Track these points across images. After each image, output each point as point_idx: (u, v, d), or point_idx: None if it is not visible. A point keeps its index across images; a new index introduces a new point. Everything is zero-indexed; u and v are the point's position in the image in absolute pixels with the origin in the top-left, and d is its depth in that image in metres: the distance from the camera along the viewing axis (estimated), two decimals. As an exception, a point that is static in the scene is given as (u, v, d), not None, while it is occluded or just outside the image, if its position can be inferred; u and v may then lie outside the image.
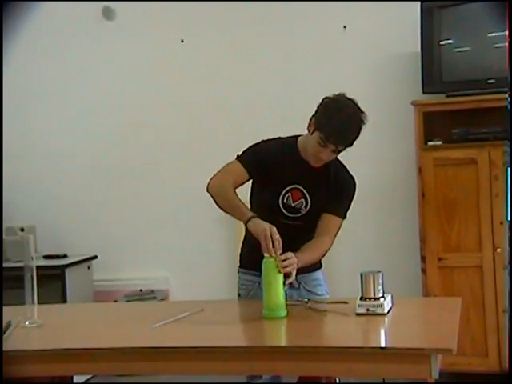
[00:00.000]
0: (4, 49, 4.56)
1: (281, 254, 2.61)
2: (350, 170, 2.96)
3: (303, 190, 2.85)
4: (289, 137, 2.92)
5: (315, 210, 2.85)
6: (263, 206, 2.87)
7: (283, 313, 2.59)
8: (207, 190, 2.84)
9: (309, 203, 2.85)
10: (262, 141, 2.92)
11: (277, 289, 2.58)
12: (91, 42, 5.00)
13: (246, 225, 2.72)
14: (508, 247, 3.89)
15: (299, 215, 2.86)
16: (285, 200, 2.85)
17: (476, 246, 4.04)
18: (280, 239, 2.60)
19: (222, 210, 2.83)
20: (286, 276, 2.60)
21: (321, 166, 2.83)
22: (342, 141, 2.70)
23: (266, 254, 2.62)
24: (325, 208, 2.85)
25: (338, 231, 2.89)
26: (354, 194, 2.92)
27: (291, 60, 4.62)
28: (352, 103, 2.75)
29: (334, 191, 2.86)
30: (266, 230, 2.60)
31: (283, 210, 2.85)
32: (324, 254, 2.87)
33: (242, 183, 2.87)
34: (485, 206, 4.01)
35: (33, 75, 5.09)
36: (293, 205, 2.85)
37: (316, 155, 2.76)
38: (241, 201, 2.79)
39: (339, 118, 2.69)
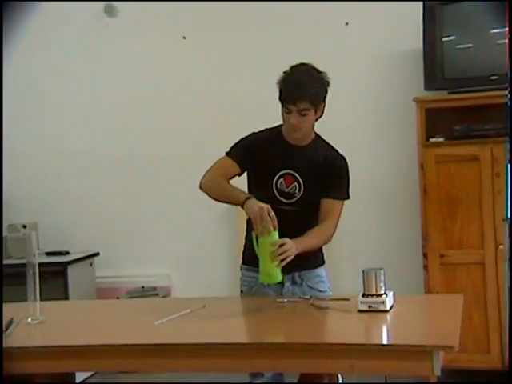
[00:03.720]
0: (5, 47, 4.56)
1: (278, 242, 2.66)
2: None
3: (295, 174, 2.87)
4: (274, 126, 2.96)
5: (309, 193, 2.87)
6: (259, 195, 2.88)
7: (279, 277, 2.69)
8: (200, 189, 2.92)
9: (302, 187, 2.87)
10: (251, 133, 2.97)
11: (272, 258, 2.64)
12: (93, 39, 5.00)
13: (243, 208, 2.75)
14: (508, 244, 3.89)
15: (294, 200, 2.88)
16: (278, 186, 2.87)
17: (478, 242, 4.04)
18: (275, 217, 2.64)
19: (219, 201, 2.92)
20: (281, 261, 2.66)
21: (308, 148, 2.88)
22: (299, 97, 2.73)
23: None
24: (323, 193, 2.88)
25: (339, 214, 2.91)
26: (348, 173, 2.94)
27: (293, 57, 4.58)
28: (306, 65, 2.83)
29: (328, 175, 2.88)
30: (258, 211, 2.64)
31: (278, 196, 2.87)
32: (328, 239, 2.90)
33: (234, 175, 2.92)
34: (487, 203, 4.01)
35: (34, 73, 5.09)
36: (286, 190, 2.87)
37: (287, 125, 2.81)
38: (234, 187, 2.85)
39: (291, 79, 2.78)
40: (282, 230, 2.69)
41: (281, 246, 2.65)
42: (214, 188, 2.89)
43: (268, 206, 2.67)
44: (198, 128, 4.85)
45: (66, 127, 5.08)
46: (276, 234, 2.66)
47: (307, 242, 2.79)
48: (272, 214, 2.65)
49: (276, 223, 2.65)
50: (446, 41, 4.17)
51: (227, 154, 2.94)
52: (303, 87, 2.73)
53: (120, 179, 5.02)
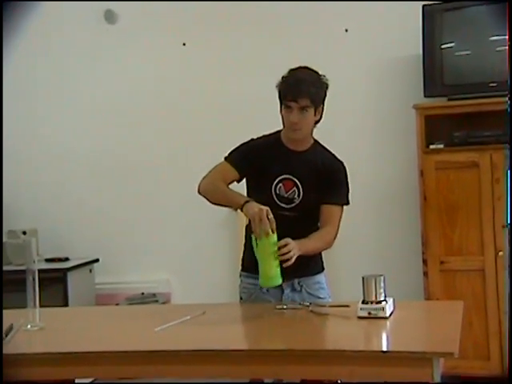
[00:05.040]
0: (6, 51, 4.56)
1: (279, 241, 2.66)
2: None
3: (294, 179, 2.88)
4: (273, 132, 2.97)
5: (308, 198, 2.88)
6: (258, 201, 2.90)
7: (279, 281, 2.67)
8: (199, 193, 2.93)
9: (301, 192, 2.87)
10: (249, 140, 2.98)
11: (271, 259, 2.64)
12: (93, 45, 5.01)
13: (242, 211, 2.75)
14: (508, 250, 3.89)
15: (293, 205, 2.88)
16: (277, 191, 2.88)
17: (478, 249, 4.04)
18: (274, 219, 2.65)
19: (218, 204, 2.93)
20: (284, 261, 2.65)
21: (307, 153, 2.89)
22: (300, 92, 2.75)
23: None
24: (322, 199, 2.88)
25: (340, 219, 2.92)
26: (346, 178, 2.95)
27: (293, 63, 4.60)
28: (305, 67, 2.86)
29: (326, 180, 2.89)
30: (257, 213, 2.65)
31: (277, 201, 2.87)
32: (330, 244, 2.91)
33: (232, 181, 2.93)
34: (487, 210, 4.01)
35: (34, 78, 5.09)
36: (286, 195, 2.88)
37: (288, 123, 2.82)
38: (234, 191, 2.86)
39: (291, 77, 2.81)
40: (282, 234, 2.70)
41: (284, 246, 2.65)
42: (213, 191, 2.90)
43: (267, 208, 2.67)
44: (197, 134, 4.85)
45: (65, 133, 5.08)
46: (275, 237, 2.66)
47: (309, 244, 2.79)
48: (271, 216, 2.65)
49: (274, 226, 2.65)
50: (445, 47, 4.18)
51: (225, 159, 2.95)
52: (304, 84, 2.76)
53: (119, 186, 5.02)
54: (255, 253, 2.72)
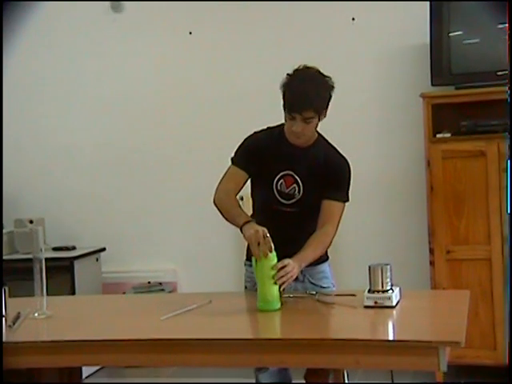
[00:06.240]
0: (12, 41, 4.57)
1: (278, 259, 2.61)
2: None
3: (294, 175, 2.86)
4: (277, 125, 2.94)
5: (308, 194, 2.86)
6: (261, 196, 2.90)
7: (277, 305, 2.60)
8: (214, 204, 2.89)
9: (301, 188, 2.85)
10: (253, 133, 2.95)
11: (270, 283, 2.59)
12: (99, 35, 5.00)
13: (241, 232, 2.73)
14: (509, 239, 3.87)
15: (294, 201, 2.87)
16: (279, 187, 2.86)
17: (485, 238, 4.03)
18: (270, 239, 2.60)
19: (227, 220, 2.88)
20: (281, 284, 2.61)
21: (310, 149, 2.86)
22: (304, 106, 2.70)
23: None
24: (323, 194, 2.85)
25: (341, 216, 2.88)
26: (350, 175, 2.91)
27: (300, 53, 4.60)
28: (311, 70, 2.79)
29: (329, 176, 2.86)
30: (253, 234, 2.61)
31: (278, 197, 2.86)
32: (328, 245, 2.88)
33: (245, 183, 2.92)
34: (493, 199, 3.99)
35: (41, 68, 5.09)
36: (286, 191, 2.86)
37: (290, 132, 2.79)
38: (241, 209, 2.83)
39: (296, 86, 2.73)
40: (283, 230, 2.69)
41: (282, 267, 2.61)
42: (222, 208, 2.87)
43: (264, 228, 2.62)
44: (205, 125, 4.84)
45: (72, 123, 5.08)
46: (274, 257, 2.61)
47: (309, 255, 2.76)
48: (268, 236, 2.60)
49: (272, 245, 2.60)
50: (453, 36, 4.15)
51: (232, 161, 2.93)
52: (309, 96, 2.70)
53: (127, 175, 5.02)
54: (254, 275, 2.69)
